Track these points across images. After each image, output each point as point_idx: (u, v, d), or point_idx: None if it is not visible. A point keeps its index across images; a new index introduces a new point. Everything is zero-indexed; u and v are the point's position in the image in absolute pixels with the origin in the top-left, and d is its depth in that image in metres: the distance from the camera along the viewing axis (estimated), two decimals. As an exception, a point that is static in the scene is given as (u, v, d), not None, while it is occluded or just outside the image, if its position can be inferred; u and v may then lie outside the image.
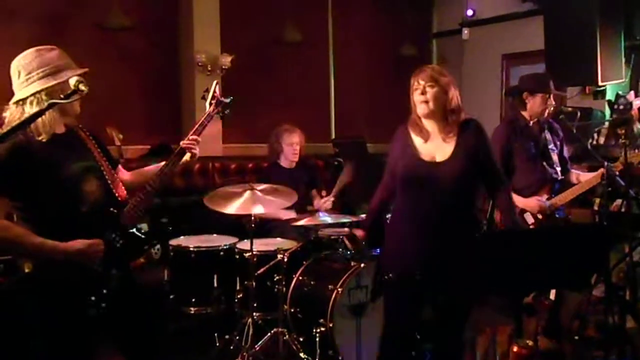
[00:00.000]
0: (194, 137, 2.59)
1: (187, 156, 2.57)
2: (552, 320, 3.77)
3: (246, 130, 6.20)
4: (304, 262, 3.76)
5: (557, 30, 5.65)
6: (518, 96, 3.76)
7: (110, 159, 2.46)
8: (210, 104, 2.74)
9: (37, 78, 2.16)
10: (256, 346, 3.52)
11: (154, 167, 2.56)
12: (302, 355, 3.50)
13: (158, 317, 2.74)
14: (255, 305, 3.59)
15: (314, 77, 6.84)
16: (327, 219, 3.75)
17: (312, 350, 3.44)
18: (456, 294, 2.66)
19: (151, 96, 5.78)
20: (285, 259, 3.60)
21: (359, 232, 3.12)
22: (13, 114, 2.16)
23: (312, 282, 3.65)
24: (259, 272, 3.60)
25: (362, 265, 3.53)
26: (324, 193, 4.46)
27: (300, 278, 3.70)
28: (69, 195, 2.20)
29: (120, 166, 2.58)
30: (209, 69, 5.69)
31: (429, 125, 2.69)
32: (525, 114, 3.74)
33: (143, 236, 2.37)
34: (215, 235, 4.12)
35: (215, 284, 3.83)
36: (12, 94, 2.21)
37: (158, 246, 4.26)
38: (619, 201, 4.19)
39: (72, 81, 2.02)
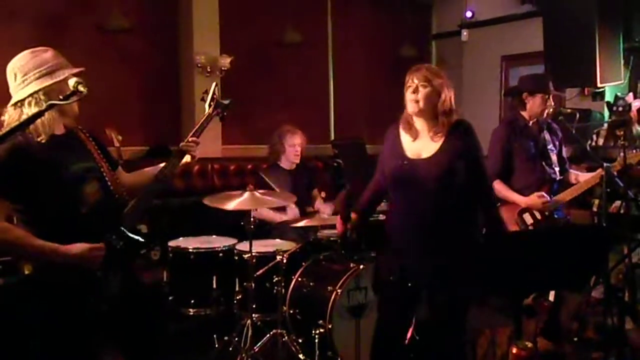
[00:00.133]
0: (194, 138, 2.59)
1: (187, 158, 2.57)
2: (552, 321, 3.77)
3: (245, 132, 6.20)
4: (303, 264, 3.76)
5: (556, 32, 5.66)
6: (517, 97, 3.77)
7: (110, 160, 2.46)
8: (210, 105, 2.74)
9: (33, 79, 2.16)
10: (255, 347, 3.52)
11: (153, 169, 2.56)
12: (301, 356, 3.50)
13: (158, 318, 2.74)
14: (254, 306, 3.59)
15: (313, 78, 6.84)
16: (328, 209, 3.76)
17: (311, 351, 3.44)
18: (451, 294, 2.66)
19: (150, 97, 5.78)
20: (285, 260, 3.60)
21: (338, 227, 3.04)
22: (11, 116, 2.16)
23: (311, 284, 3.65)
24: (258, 273, 3.60)
25: (362, 266, 3.53)
26: (323, 194, 4.46)
27: (300, 279, 3.70)
28: (68, 196, 2.19)
29: (120, 167, 2.58)
30: (209, 70, 5.69)
31: (419, 123, 2.71)
32: (524, 114, 3.74)
33: (143, 238, 2.37)
34: (214, 236, 4.12)
35: (215, 285, 3.83)
36: (10, 96, 2.21)
37: (157, 247, 4.25)
38: (618, 202, 4.20)
39: (72, 82, 2.02)
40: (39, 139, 2.17)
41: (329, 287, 3.48)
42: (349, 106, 6.97)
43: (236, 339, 3.62)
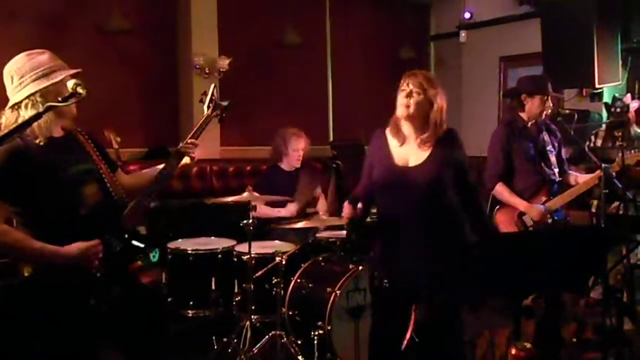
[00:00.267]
0: (192, 140, 2.59)
1: (186, 159, 2.57)
2: (551, 322, 3.77)
3: (244, 133, 6.20)
4: (302, 265, 3.76)
5: (554, 33, 5.67)
6: (516, 98, 3.78)
7: (109, 162, 2.46)
8: (209, 106, 2.74)
9: (30, 81, 2.16)
10: (254, 349, 3.52)
11: (152, 170, 2.56)
12: (300, 358, 3.50)
13: (157, 320, 2.74)
14: (253, 308, 3.59)
15: (312, 79, 6.84)
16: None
17: (310, 353, 3.44)
18: (446, 297, 2.67)
19: (149, 99, 5.77)
20: (284, 262, 3.60)
21: (346, 211, 2.83)
22: (9, 119, 2.16)
23: (310, 285, 3.65)
24: (257, 274, 3.60)
25: (361, 267, 3.53)
26: (321, 195, 4.47)
27: (299, 281, 3.70)
28: (67, 198, 2.20)
29: (119, 169, 2.58)
30: (207, 71, 5.68)
31: (406, 128, 2.71)
32: (523, 115, 3.75)
33: (141, 239, 2.37)
34: (213, 238, 4.12)
35: (213, 287, 3.83)
36: (7, 99, 2.21)
37: (156, 249, 4.25)
38: (617, 203, 4.21)
39: (70, 84, 2.02)
40: (37, 141, 2.17)
41: (328, 289, 3.48)
42: (347, 107, 6.97)
43: (235, 340, 3.62)
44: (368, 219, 2.92)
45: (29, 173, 2.14)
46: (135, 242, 2.32)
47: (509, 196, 3.64)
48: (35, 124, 2.11)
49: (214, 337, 3.74)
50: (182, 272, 3.84)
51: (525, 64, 6.54)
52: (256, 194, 3.49)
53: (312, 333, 3.43)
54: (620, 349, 3.43)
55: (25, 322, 2.20)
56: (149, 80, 5.76)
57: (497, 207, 3.77)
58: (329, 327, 3.39)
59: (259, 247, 3.80)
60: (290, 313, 3.64)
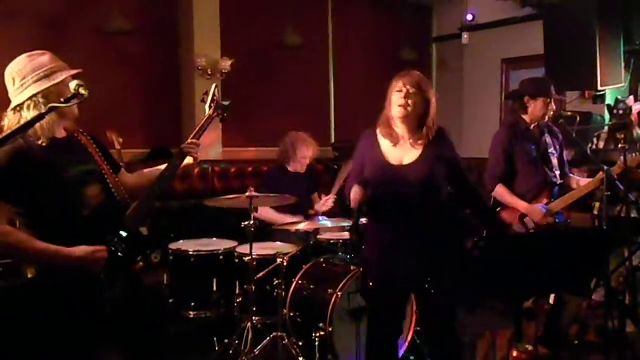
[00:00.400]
0: (194, 140, 2.59)
1: (188, 159, 2.57)
2: (552, 324, 3.76)
3: (246, 134, 6.20)
4: (304, 266, 3.75)
5: (556, 35, 5.66)
6: (519, 100, 3.77)
7: (112, 163, 2.46)
8: (210, 106, 2.75)
9: (32, 82, 2.16)
10: (255, 350, 3.51)
11: (155, 170, 2.56)
12: (301, 359, 3.49)
13: (159, 321, 2.74)
14: (254, 309, 3.59)
15: (313, 80, 6.85)
16: (327, 222, 3.76)
17: (311, 354, 3.44)
18: (439, 294, 2.68)
19: (151, 100, 5.78)
20: (285, 263, 3.59)
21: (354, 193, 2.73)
22: (11, 121, 2.16)
23: (311, 286, 3.65)
24: (258, 276, 3.60)
25: (362, 269, 3.52)
26: (323, 196, 4.45)
27: (300, 282, 3.69)
28: (70, 199, 2.20)
29: (123, 169, 2.58)
30: (209, 72, 5.69)
31: (400, 128, 2.72)
32: (525, 117, 3.74)
33: (143, 240, 2.37)
34: (214, 239, 4.12)
35: (215, 288, 3.82)
36: (9, 100, 2.21)
37: (157, 250, 4.26)
38: (619, 205, 4.20)
39: (72, 85, 2.02)
40: (39, 142, 2.17)
41: (329, 290, 3.47)
42: (349, 108, 6.97)
43: (236, 341, 3.62)
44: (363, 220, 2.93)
45: (32, 174, 2.14)
46: (137, 236, 2.32)
47: (509, 197, 3.64)
48: (37, 125, 2.12)
49: (215, 338, 3.74)
50: (183, 273, 3.84)
51: (527, 66, 6.54)
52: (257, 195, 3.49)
53: (313, 334, 3.43)
54: (622, 351, 3.42)
55: (28, 323, 2.20)
56: (151, 81, 5.77)
57: (498, 209, 3.76)
58: (330, 329, 3.39)
59: (260, 248, 3.80)
60: (292, 314, 3.64)
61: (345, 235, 4.01)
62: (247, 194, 3.48)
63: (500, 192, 3.66)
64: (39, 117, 1.98)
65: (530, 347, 2.64)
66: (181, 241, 4.00)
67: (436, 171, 2.69)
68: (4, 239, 2.10)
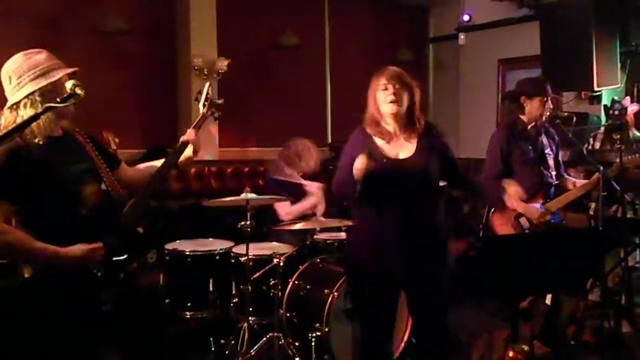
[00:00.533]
0: (193, 130, 2.60)
1: (189, 149, 2.56)
2: (548, 325, 3.77)
3: (242, 134, 6.20)
4: (300, 267, 3.75)
5: (553, 36, 5.67)
6: (516, 100, 3.78)
7: (110, 159, 2.46)
8: (204, 105, 2.75)
9: (28, 80, 2.16)
10: (252, 351, 3.51)
11: (156, 163, 2.56)
12: (297, 359, 3.50)
13: (155, 321, 2.74)
14: (251, 309, 3.58)
15: (310, 81, 6.84)
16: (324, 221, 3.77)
17: (307, 354, 3.44)
18: (432, 291, 2.70)
19: (148, 100, 5.77)
20: (281, 263, 3.59)
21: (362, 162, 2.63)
22: (8, 119, 2.16)
23: (307, 287, 3.65)
24: (254, 276, 3.60)
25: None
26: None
27: (296, 282, 3.69)
28: (68, 197, 2.19)
29: (123, 164, 2.57)
30: (206, 73, 5.69)
31: (391, 125, 2.73)
32: (523, 117, 3.75)
33: (140, 239, 2.37)
34: (211, 239, 4.11)
35: (211, 288, 3.82)
36: (6, 100, 2.21)
37: (153, 250, 4.25)
38: (615, 205, 4.21)
39: (69, 85, 2.02)
40: (36, 141, 2.17)
41: (325, 290, 3.47)
42: (346, 109, 6.95)
43: (233, 342, 3.62)
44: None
45: (29, 172, 2.13)
46: (134, 235, 2.32)
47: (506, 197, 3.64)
48: (34, 124, 2.12)
49: (211, 339, 3.74)
50: (179, 273, 3.83)
51: (524, 66, 6.55)
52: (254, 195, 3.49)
53: (310, 335, 3.43)
54: (618, 351, 3.43)
55: (26, 322, 2.19)
56: (148, 81, 5.76)
57: (493, 209, 3.77)
58: (326, 329, 3.39)
59: (257, 249, 3.80)
60: (288, 315, 3.64)
61: (342, 235, 4.01)
62: (244, 195, 3.49)
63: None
64: (35, 117, 1.98)
65: (526, 348, 2.64)
66: (178, 241, 3.99)
67: (433, 163, 2.72)
68: (2, 238, 2.10)
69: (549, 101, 3.71)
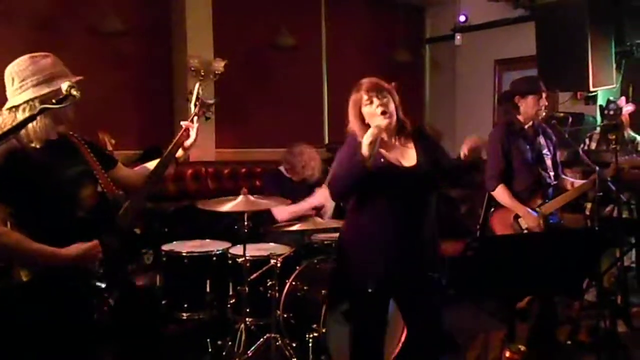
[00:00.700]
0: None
1: (190, 140, 2.56)
2: (545, 325, 3.78)
3: (239, 135, 6.20)
4: (297, 267, 3.75)
5: (548, 36, 5.69)
6: (510, 100, 3.78)
7: (106, 160, 2.46)
8: (195, 105, 2.75)
9: (30, 85, 2.16)
10: (249, 352, 3.51)
11: (152, 163, 2.57)
12: (294, 360, 3.50)
13: (152, 322, 2.74)
14: (248, 310, 3.58)
15: (307, 82, 6.84)
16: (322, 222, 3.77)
17: (305, 355, 3.44)
18: (426, 296, 2.71)
19: (144, 101, 5.77)
20: (279, 264, 3.59)
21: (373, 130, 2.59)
22: (5, 121, 2.15)
23: (305, 288, 3.65)
24: (251, 277, 3.59)
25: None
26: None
27: (294, 283, 3.69)
28: (64, 200, 2.19)
29: (119, 164, 2.57)
30: (202, 73, 5.68)
31: (386, 135, 2.69)
32: (520, 118, 3.75)
33: (136, 240, 2.38)
34: (208, 240, 4.10)
35: (208, 289, 3.81)
36: (6, 99, 2.21)
37: (150, 251, 4.24)
38: (611, 206, 4.22)
39: (64, 86, 2.01)
40: (32, 145, 2.17)
41: (322, 291, 3.47)
42: (343, 110, 6.94)
43: (230, 343, 3.61)
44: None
45: (26, 174, 2.13)
46: (131, 236, 2.32)
47: (509, 199, 3.62)
48: (31, 128, 2.12)
49: (208, 340, 3.73)
50: (176, 274, 3.82)
51: (520, 67, 6.55)
52: (251, 197, 3.48)
53: (307, 336, 3.43)
54: (614, 351, 3.44)
55: (24, 324, 2.19)
56: (144, 82, 5.75)
57: (492, 209, 3.77)
58: (323, 330, 3.39)
59: (254, 250, 3.80)
60: (285, 316, 3.64)
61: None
62: (241, 196, 3.48)
63: (501, 193, 3.64)
64: (31, 118, 1.97)
65: (523, 348, 2.65)
66: (174, 242, 3.99)
67: (434, 168, 2.71)
68: (0, 240, 2.09)
69: (544, 98, 3.71)
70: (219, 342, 3.67)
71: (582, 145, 5.18)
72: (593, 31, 5.31)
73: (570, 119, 4.63)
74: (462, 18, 7.38)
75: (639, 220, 4.55)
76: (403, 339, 3.55)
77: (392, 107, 2.66)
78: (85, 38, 5.33)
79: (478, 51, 7.28)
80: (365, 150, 2.49)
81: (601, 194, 3.54)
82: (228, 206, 3.44)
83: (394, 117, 2.66)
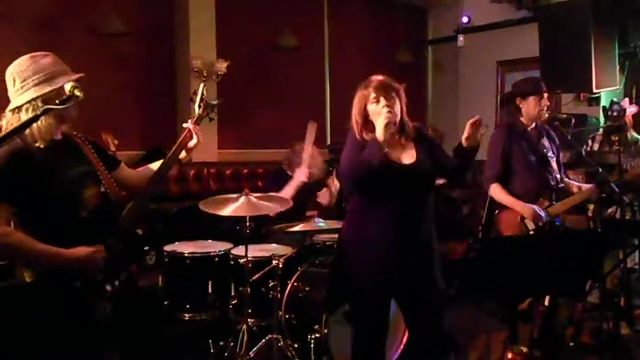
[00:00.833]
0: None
1: (194, 141, 2.56)
2: (547, 326, 3.77)
3: (241, 136, 6.20)
4: (299, 268, 3.75)
5: (551, 37, 5.68)
6: (512, 102, 3.78)
7: (109, 162, 2.46)
8: (200, 106, 2.75)
9: (32, 85, 2.16)
10: (251, 352, 3.51)
11: (156, 164, 2.57)
12: (296, 361, 3.50)
13: (154, 323, 2.74)
14: (249, 311, 3.58)
15: (309, 82, 6.85)
16: (323, 224, 3.76)
17: (306, 356, 3.44)
18: (428, 298, 2.71)
19: (147, 102, 5.77)
20: (280, 265, 3.59)
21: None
22: (9, 122, 2.15)
23: (307, 288, 3.65)
24: (253, 278, 3.59)
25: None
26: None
27: (295, 284, 3.69)
28: (67, 200, 2.19)
29: (122, 165, 2.57)
30: (205, 74, 5.69)
31: (388, 134, 2.68)
32: (522, 119, 3.74)
33: (139, 241, 2.38)
34: (210, 241, 4.11)
35: (210, 290, 3.81)
36: (9, 101, 2.21)
37: (152, 252, 4.25)
38: (614, 207, 4.21)
39: (68, 87, 2.01)
40: (36, 145, 2.17)
41: (324, 292, 3.47)
42: (345, 110, 6.95)
43: (232, 343, 3.61)
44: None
45: (30, 174, 2.13)
46: (134, 237, 2.32)
47: (504, 196, 3.63)
48: (35, 128, 2.12)
49: (210, 341, 3.73)
50: (178, 275, 3.83)
51: (523, 68, 6.56)
52: (253, 198, 3.49)
53: (309, 336, 3.43)
54: (617, 353, 3.43)
55: (27, 325, 2.19)
56: (147, 83, 5.76)
57: (497, 210, 3.76)
58: (325, 331, 3.39)
59: (256, 250, 3.80)
60: (287, 316, 3.64)
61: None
62: (243, 195, 3.48)
63: (497, 191, 3.65)
64: (34, 119, 1.97)
65: (525, 349, 2.64)
66: (177, 243, 3.99)
67: (433, 166, 2.73)
68: (5, 240, 2.10)
69: (545, 99, 3.70)
70: (221, 343, 3.67)
71: (584, 147, 5.16)
72: (596, 32, 5.30)
73: (573, 120, 4.60)
74: (464, 19, 7.38)
75: (642, 222, 4.54)
76: (405, 340, 3.55)
77: (397, 108, 2.66)
78: (88, 39, 5.33)
79: (481, 52, 7.27)
80: (379, 133, 2.55)
81: (604, 195, 3.53)
82: (229, 210, 3.44)
83: (397, 118, 2.66)
